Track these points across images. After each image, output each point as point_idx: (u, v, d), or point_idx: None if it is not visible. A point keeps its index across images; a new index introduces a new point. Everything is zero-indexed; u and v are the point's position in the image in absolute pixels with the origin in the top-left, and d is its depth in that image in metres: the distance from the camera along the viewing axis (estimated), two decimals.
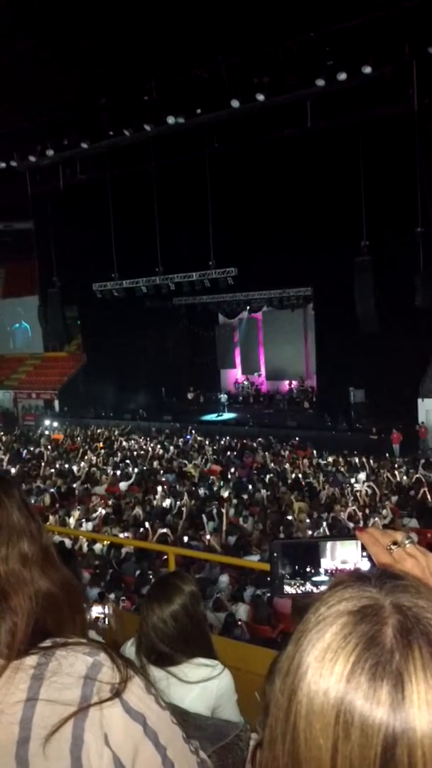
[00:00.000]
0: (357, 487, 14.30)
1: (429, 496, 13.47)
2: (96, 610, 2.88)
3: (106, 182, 23.07)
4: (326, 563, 1.00)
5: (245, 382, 29.87)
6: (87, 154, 23.09)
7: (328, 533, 11.06)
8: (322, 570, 0.99)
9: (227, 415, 26.51)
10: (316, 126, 19.25)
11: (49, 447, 21.72)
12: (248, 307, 28.75)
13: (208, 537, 11.07)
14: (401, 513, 12.68)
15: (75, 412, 28.60)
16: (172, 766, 0.96)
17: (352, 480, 15.28)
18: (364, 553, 0.99)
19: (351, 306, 19.86)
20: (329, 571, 0.99)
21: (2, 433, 26.13)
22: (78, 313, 28.33)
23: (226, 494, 14.32)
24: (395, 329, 19.73)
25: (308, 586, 1.00)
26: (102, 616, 2.65)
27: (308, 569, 0.99)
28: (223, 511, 12.34)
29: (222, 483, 15.54)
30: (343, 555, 1.00)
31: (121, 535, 11.13)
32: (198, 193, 21.59)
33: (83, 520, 12.38)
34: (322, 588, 0.99)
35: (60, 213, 25.36)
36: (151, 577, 9.23)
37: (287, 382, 28.68)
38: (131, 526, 12.03)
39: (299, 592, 1.00)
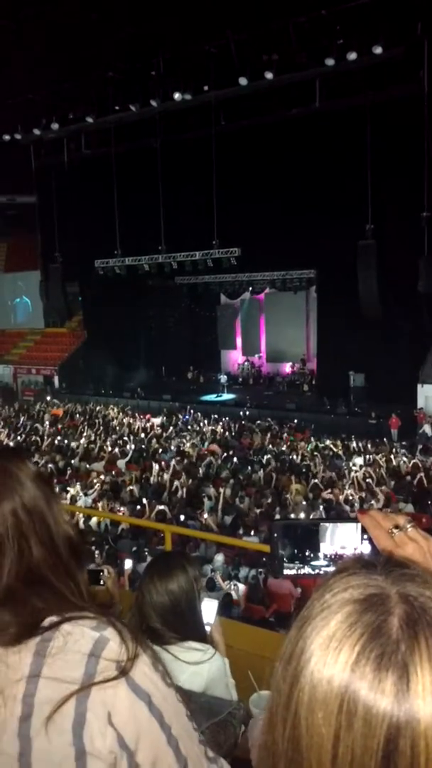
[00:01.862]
0: (354, 470, 14.36)
1: (425, 482, 13.54)
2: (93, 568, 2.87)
3: (110, 158, 22.90)
4: (326, 546, 0.99)
5: (245, 364, 29.85)
6: (92, 129, 22.90)
7: (324, 516, 11.13)
8: (321, 553, 0.99)
9: (226, 396, 26.52)
10: (324, 106, 19.06)
11: (47, 422, 21.76)
12: (251, 288, 28.63)
13: (205, 516, 11.14)
14: (397, 498, 12.75)
15: (74, 389, 28.61)
16: (177, 745, 0.96)
17: (350, 464, 15.34)
18: (365, 536, 0.98)
19: (354, 290, 19.80)
20: (329, 555, 0.99)
21: (2, 408, 26.16)
22: (79, 289, 28.22)
23: (223, 474, 14.39)
24: (397, 314, 19.70)
25: (307, 569, 0.99)
26: (100, 575, 2.64)
27: (307, 552, 0.99)
28: (221, 491, 12.41)
29: (219, 463, 15.59)
30: (343, 538, 0.99)
31: (118, 512, 11.19)
32: (203, 171, 21.42)
33: (80, 495, 12.43)
34: (322, 570, 0.99)
35: (64, 188, 25.18)
36: (147, 553, 9.30)
37: (288, 364, 28.66)
38: (128, 503, 12.09)
39: (298, 573, 1.00)
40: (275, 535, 1.00)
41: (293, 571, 1.00)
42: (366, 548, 0.97)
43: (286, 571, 1.00)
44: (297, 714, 0.66)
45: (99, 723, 0.90)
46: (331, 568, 0.96)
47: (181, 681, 2.17)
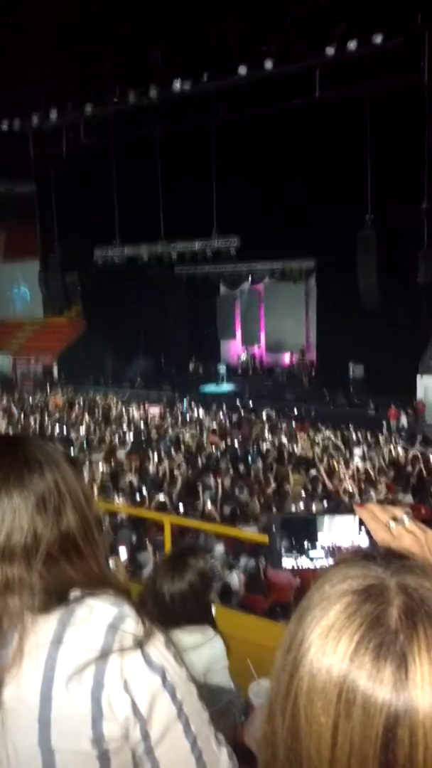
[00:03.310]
0: (353, 461, 14.42)
1: (425, 472, 13.61)
2: None
3: (109, 147, 22.79)
4: (324, 538, 1.01)
5: (244, 354, 29.86)
6: (91, 119, 22.77)
7: (324, 506, 11.20)
8: (319, 545, 1.01)
9: (226, 386, 26.55)
10: (324, 96, 18.96)
11: (47, 413, 21.80)
12: (250, 278, 28.57)
13: (208, 506, 11.20)
14: (396, 488, 12.82)
15: (74, 379, 28.62)
16: (187, 720, 1.01)
17: (349, 455, 15.40)
18: (362, 528, 0.99)
19: (353, 280, 19.78)
20: (327, 547, 1.01)
21: (1, 398, 26.17)
22: (78, 279, 28.16)
23: (222, 465, 14.45)
24: (397, 305, 19.72)
25: (306, 560, 1.01)
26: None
27: (306, 544, 1.01)
28: (219, 481, 12.46)
29: (219, 453, 15.65)
30: (341, 530, 1.01)
31: (117, 502, 11.24)
32: (202, 161, 21.33)
33: None
34: (320, 563, 1.02)
35: (62, 177, 25.08)
36: (147, 543, 9.38)
37: (287, 354, 28.67)
38: (128, 493, 12.15)
39: (297, 566, 1.02)
40: (274, 528, 1.02)
41: (292, 562, 1.02)
42: (363, 540, 0.99)
43: (285, 563, 1.02)
44: (296, 703, 0.67)
45: (116, 689, 0.96)
46: (330, 560, 1.00)
47: None
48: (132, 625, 1.01)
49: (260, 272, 27.56)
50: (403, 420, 19.67)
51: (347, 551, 0.80)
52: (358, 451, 15.65)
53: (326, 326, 23.73)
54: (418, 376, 20.78)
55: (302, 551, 1.01)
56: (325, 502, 11.54)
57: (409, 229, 18.89)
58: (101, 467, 13.81)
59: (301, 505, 11.18)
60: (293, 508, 10.86)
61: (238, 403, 23.24)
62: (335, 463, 14.12)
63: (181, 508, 11.05)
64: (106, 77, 20.57)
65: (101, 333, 27.41)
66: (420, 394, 20.66)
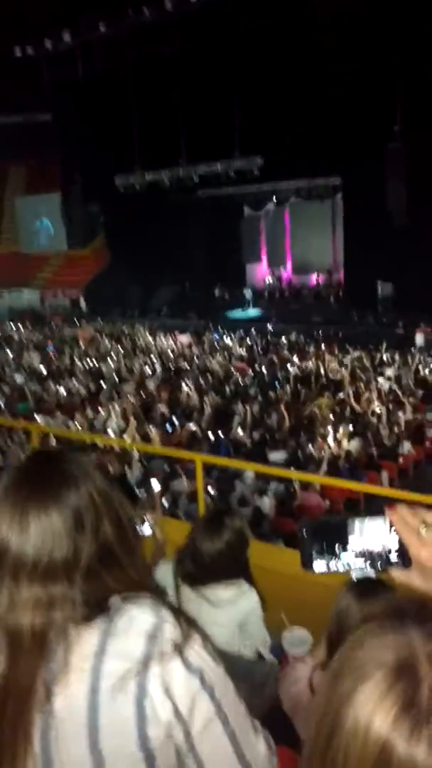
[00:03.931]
0: (381, 382, 14.39)
1: None
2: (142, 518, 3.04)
3: (126, 68, 21.97)
4: (354, 541, 1.02)
5: (270, 277, 29.46)
6: (105, 38, 21.88)
7: (351, 430, 11.27)
8: (350, 548, 1.02)
9: (252, 311, 26.38)
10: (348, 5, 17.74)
11: (79, 344, 22.02)
12: (275, 198, 27.86)
13: (239, 432, 11.37)
14: (427, 408, 12.81)
15: (101, 311, 28.70)
16: (226, 717, 1.09)
17: (377, 376, 15.34)
18: (393, 530, 1.00)
19: (381, 196, 19.17)
20: (358, 550, 1.02)
21: (32, 333, 26.46)
22: (101, 209, 27.80)
23: (251, 391, 14.54)
24: (427, 220, 19.07)
25: (337, 564, 1.03)
26: (148, 523, 2.84)
27: (337, 547, 1.02)
28: (248, 408, 12.58)
29: (247, 380, 15.73)
30: (372, 532, 1.01)
31: (150, 432, 11.45)
32: (222, 77, 20.44)
33: (111, 417, 12.72)
34: (351, 565, 1.03)
35: (79, 103, 24.39)
36: (179, 472, 9.61)
37: (314, 275, 28.22)
38: (159, 423, 12.36)
39: (328, 569, 1.03)
40: (304, 534, 1.03)
41: (323, 567, 1.03)
42: (394, 541, 1.00)
43: (316, 567, 1.03)
44: (335, 762, 0.72)
45: (158, 695, 1.04)
46: (360, 563, 1.02)
47: (219, 621, 2.36)
48: (171, 630, 1.07)
49: (285, 192, 26.83)
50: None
51: (377, 608, 0.79)
52: (387, 372, 15.57)
53: (354, 244, 23.18)
54: None
55: (334, 555, 1.02)
56: (351, 424, 11.58)
57: None
58: (132, 399, 14.02)
59: (330, 429, 11.24)
60: (321, 431, 10.95)
61: (265, 328, 23.15)
62: (363, 385, 14.10)
63: (211, 437, 11.24)
64: None
65: (125, 263, 27.24)
66: None
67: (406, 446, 10.91)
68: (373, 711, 0.69)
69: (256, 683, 2.06)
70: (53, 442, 9.50)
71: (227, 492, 9.11)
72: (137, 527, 1.24)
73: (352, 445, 10.66)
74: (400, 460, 10.63)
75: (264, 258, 30.30)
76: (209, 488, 8.57)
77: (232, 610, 2.39)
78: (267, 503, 8.73)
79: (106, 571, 1.11)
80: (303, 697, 1.91)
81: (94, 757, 1.04)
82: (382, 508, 1.02)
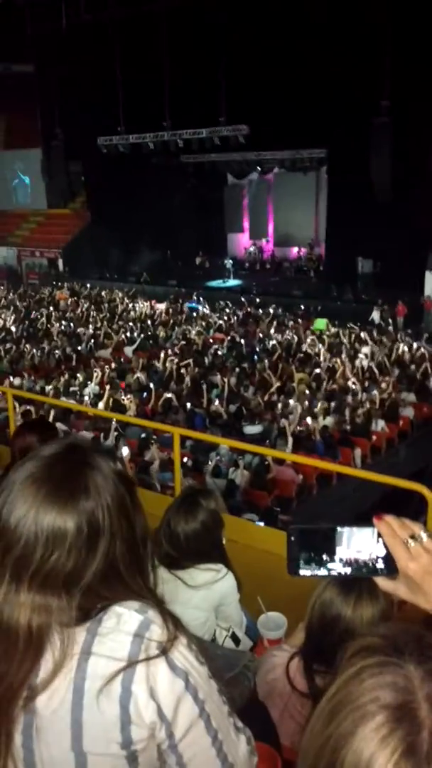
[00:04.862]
0: (359, 359, 14.49)
1: (430, 371, 13.67)
2: None
3: (112, 24, 21.30)
4: (342, 551, 1.00)
5: (252, 248, 29.27)
6: None
7: (327, 405, 11.37)
8: (337, 557, 1.00)
9: (232, 282, 26.25)
10: None
11: (52, 308, 21.77)
12: (259, 168, 27.49)
13: (216, 404, 11.39)
14: (400, 387, 12.95)
15: (79, 273, 28.32)
16: (209, 718, 1.10)
17: (354, 353, 15.44)
18: (380, 540, 0.99)
19: (366, 171, 19.03)
20: (345, 559, 1.00)
21: (7, 292, 26.07)
22: (82, 168, 27.22)
23: (229, 363, 14.56)
24: (409, 197, 19.00)
25: (323, 571, 1.01)
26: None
27: (324, 556, 1.00)
28: (225, 379, 12.61)
29: (225, 351, 15.73)
30: (360, 542, 1.00)
31: (125, 399, 11.43)
32: (211, 41, 19.97)
33: (88, 382, 12.66)
34: (337, 572, 1.01)
35: (63, 56, 23.52)
36: (154, 439, 9.62)
37: (296, 248, 28.09)
38: (135, 390, 12.34)
39: (314, 575, 1.02)
40: (292, 539, 1.01)
41: (309, 572, 1.01)
42: (381, 551, 0.99)
43: (302, 572, 1.01)
44: None
45: (143, 696, 1.04)
46: (346, 570, 1.00)
47: (194, 603, 2.38)
48: (157, 631, 1.07)
49: (270, 162, 26.45)
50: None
51: (374, 638, 0.78)
52: (364, 349, 15.68)
53: (336, 219, 23.03)
54: (427, 272, 20.45)
55: (321, 563, 1.01)
56: (326, 399, 11.67)
57: (427, 117, 17.91)
58: (108, 364, 13.96)
59: (306, 403, 11.33)
60: (297, 407, 11.03)
61: (244, 299, 23.08)
62: (340, 361, 14.18)
63: (188, 406, 11.27)
64: None
65: (106, 225, 26.80)
66: (428, 290, 20.41)
67: (380, 424, 11.06)
68: (373, 755, 0.69)
69: (235, 675, 2.07)
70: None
71: (202, 463, 9.17)
72: (149, 541, 1.23)
73: (328, 421, 10.78)
74: (373, 437, 10.77)
75: (246, 228, 30.04)
76: (184, 459, 8.62)
77: (208, 592, 2.41)
78: (240, 475, 8.81)
79: (106, 586, 1.10)
80: (279, 684, 1.94)
81: (76, 757, 1.04)
82: (371, 520, 1.00)
